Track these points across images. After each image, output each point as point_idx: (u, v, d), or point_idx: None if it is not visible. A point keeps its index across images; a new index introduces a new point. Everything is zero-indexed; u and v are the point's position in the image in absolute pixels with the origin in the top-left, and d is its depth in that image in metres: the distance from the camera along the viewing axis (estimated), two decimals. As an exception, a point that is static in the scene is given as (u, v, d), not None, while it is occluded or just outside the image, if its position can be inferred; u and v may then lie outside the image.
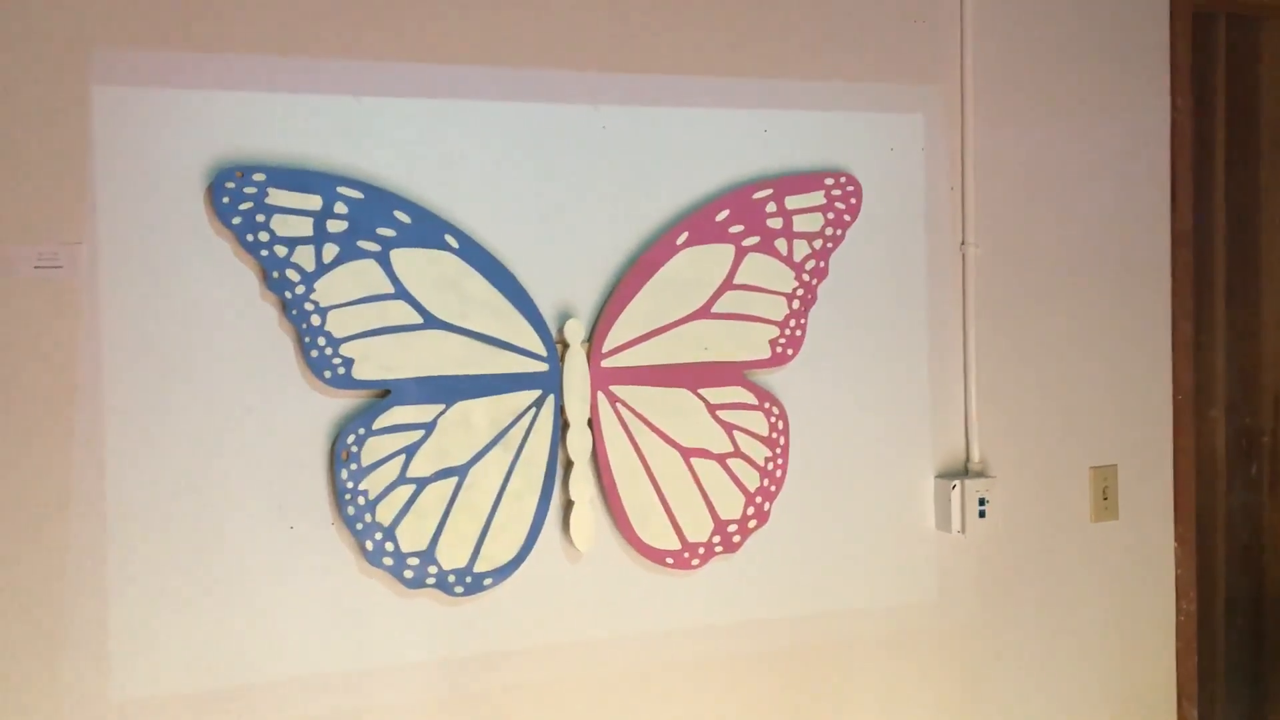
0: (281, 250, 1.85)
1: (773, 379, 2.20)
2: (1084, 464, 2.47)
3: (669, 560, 2.12)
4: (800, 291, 2.19)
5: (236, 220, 1.83)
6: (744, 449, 2.16)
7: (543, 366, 2.02)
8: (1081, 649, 2.48)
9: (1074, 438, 2.46)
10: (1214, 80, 2.66)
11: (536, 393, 2.02)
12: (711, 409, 2.14)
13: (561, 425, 2.04)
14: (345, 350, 1.90)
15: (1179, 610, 2.57)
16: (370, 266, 1.91)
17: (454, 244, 1.96)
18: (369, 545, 1.92)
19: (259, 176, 1.84)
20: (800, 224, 2.18)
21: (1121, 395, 2.50)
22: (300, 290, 1.87)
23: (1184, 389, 2.55)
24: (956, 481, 2.30)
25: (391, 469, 1.93)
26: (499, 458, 2.00)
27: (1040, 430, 2.43)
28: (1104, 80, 2.47)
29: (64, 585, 1.78)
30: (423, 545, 1.95)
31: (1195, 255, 2.58)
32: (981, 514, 2.30)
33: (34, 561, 1.77)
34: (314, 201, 1.87)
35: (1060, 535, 2.45)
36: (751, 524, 2.17)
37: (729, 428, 2.15)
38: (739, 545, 2.17)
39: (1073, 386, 2.45)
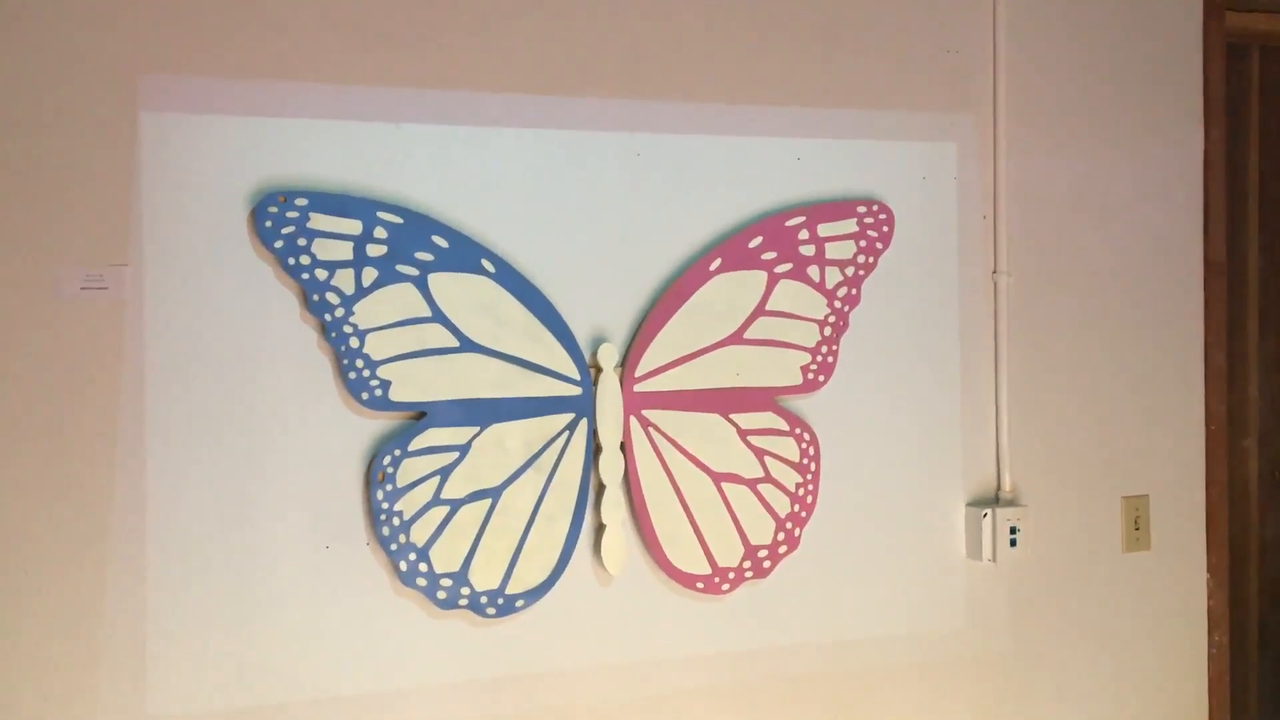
0: (322, 274, 1.88)
1: (804, 405, 2.21)
2: (1116, 494, 2.46)
3: (699, 585, 2.12)
4: (832, 318, 2.20)
5: (279, 244, 1.86)
6: (775, 474, 2.17)
7: (576, 390, 2.04)
8: (1112, 680, 2.47)
9: (1106, 467, 2.45)
10: (1247, 111, 2.66)
11: (570, 416, 2.04)
12: (743, 434, 2.15)
13: (594, 449, 2.05)
14: (383, 372, 1.92)
15: (1211, 642, 2.55)
16: (408, 290, 1.93)
17: (490, 268, 1.98)
18: (403, 566, 1.93)
19: (301, 201, 1.87)
20: (833, 251, 2.20)
21: (1154, 425, 2.49)
22: (340, 313, 1.90)
23: (1216, 419, 2.54)
24: (988, 510, 2.30)
25: (426, 490, 1.95)
26: (532, 480, 2.01)
27: (1072, 459, 2.42)
28: (1137, 110, 2.47)
29: (103, 602, 1.81)
30: (456, 566, 1.97)
31: (1228, 285, 2.57)
32: (1013, 543, 2.30)
33: (74, 578, 1.80)
34: (354, 226, 1.90)
35: (1092, 565, 2.44)
36: (782, 550, 2.18)
37: (760, 453, 2.16)
38: (769, 571, 2.18)
39: (1105, 416, 2.45)
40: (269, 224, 1.86)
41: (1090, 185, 2.44)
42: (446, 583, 1.96)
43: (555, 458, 2.03)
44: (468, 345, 1.97)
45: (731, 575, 2.15)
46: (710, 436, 2.12)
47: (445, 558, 1.96)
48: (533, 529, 2.01)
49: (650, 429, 2.08)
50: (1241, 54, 2.64)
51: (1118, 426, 2.46)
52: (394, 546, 1.93)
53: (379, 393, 1.92)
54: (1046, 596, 2.40)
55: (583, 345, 2.05)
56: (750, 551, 2.16)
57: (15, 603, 1.77)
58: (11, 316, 1.77)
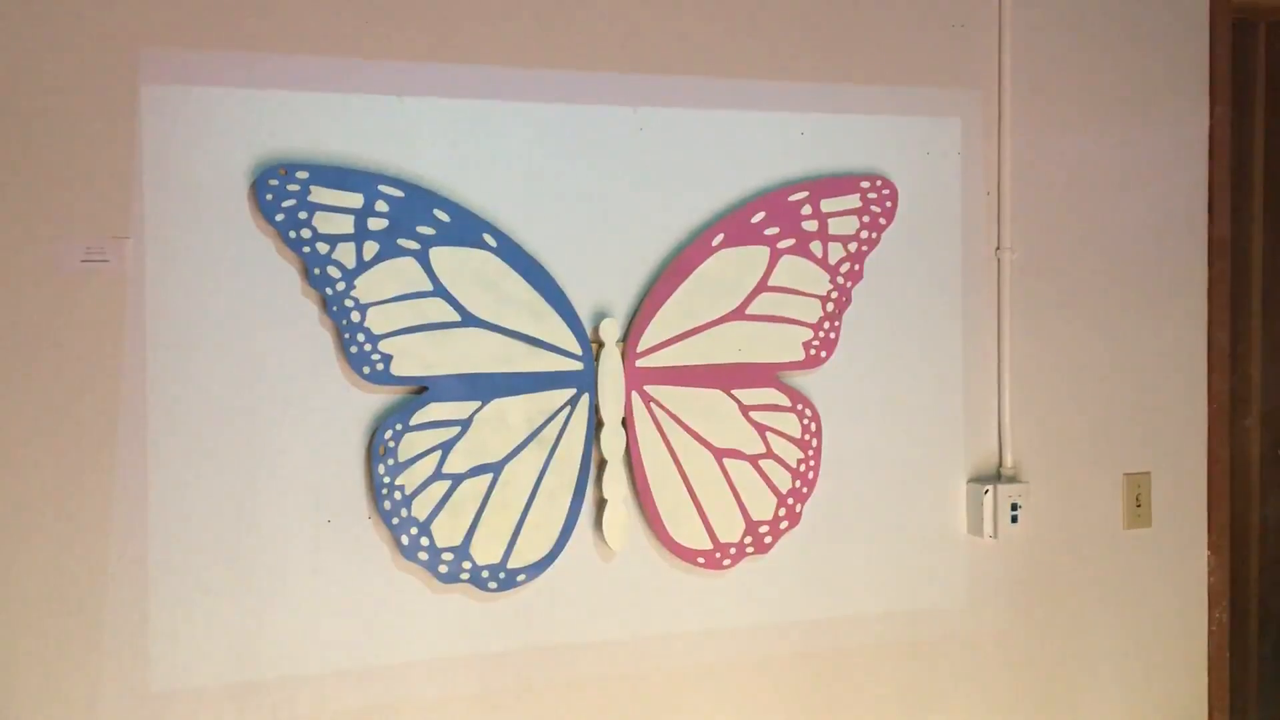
0: (323, 247, 1.88)
1: (806, 381, 2.21)
2: (1117, 471, 2.46)
3: (700, 560, 2.13)
4: (835, 294, 2.20)
5: (280, 217, 1.86)
6: (776, 450, 2.17)
7: (578, 365, 2.04)
8: (1112, 657, 2.47)
9: (1108, 444, 2.45)
10: (1253, 88, 2.64)
11: (571, 391, 2.04)
12: (744, 410, 2.15)
13: (596, 424, 2.05)
14: (384, 346, 1.92)
15: (1211, 620, 2.55)
16: (410, 264, 1.93)
17: (492, 243, 1.98)
18: (404, 540, 1.94)
19: (302, 174, 1.87)
20: (836, 227, 2.19)
21: (1156, 403, 2.49)
22: (341, 287, 1.89)
23: (1219, 398, 2.54)
24: (989, 486, 2.30)
25: (427, 465, 1.95)
26: (533, 455, 2.01)
27: (1074, 436, 2.42)
28: (1142, 87, 2.46)
29: (105, 577, 1.81)
30: (457, 541, 1.97)
31: (1232, 264, 2.56)
32: (1014, 519, 2.30)
33: (76, 554, 1.80)
34: (355, 200, 1.90)
35: (1093, 542, 2.44)
36: (783, 525, 2.18)
37: (761, 429, 2.16)
38: (770, 546, 2.18)
39: (1107, 393, 2.45)
40: (270, 197, 1.85)
41: (1094, 162, 2.43)
42: (448, 557, 1.96)
43: (557, 433, 2.03)
44: (469, 320, 1.97)
45: (733, 551, 2.15)
46: (712, 412, 2.12)
47: (447, 532, 1.96)
48: (534, 504, 2.01)
49: (652, 404, 2.08)
50: (1248, 30, 2.62)
51: (1120, 404, 2.46)
52: (395, 521, 1.93)
53: (380, 367, 1.92)
54: (1048, 573, 2.41)
55: (585, 320, 2.05)
56: (751, 527, 2.16)
57: (18, 579, 1.78)
58: (12, 289, 1.77)
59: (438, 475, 1.96)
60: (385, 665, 1.96)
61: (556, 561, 2.03)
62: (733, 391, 2.14)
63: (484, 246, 1.97)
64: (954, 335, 2.32)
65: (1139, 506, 2.47)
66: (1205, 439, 2.54)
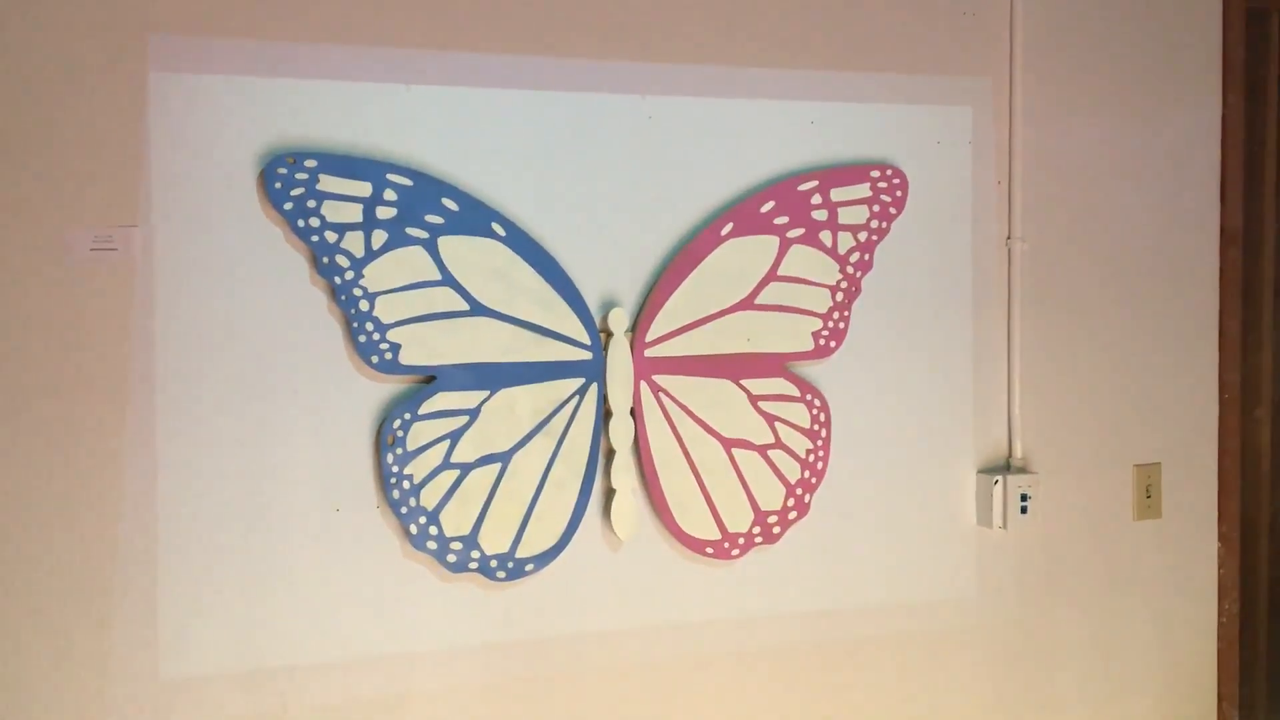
0: (331, 236, 1.88)
1: (815, 371, 2.20)
2: (1128, 461, 2.45)
3: (709, 550, 2.13)
4: (844, 284, 2.19)
5: (288, 206, 1.85)
6: (785, 440, 2.16)
7: (586, 355, 2.03)
8: (1122, 648, 2.47)
9: (1118, 435, 2.44)
10: (1266, 77, 2.62)
11: (580, 381, 2.03)
12: (753, 400, 2.14)
13: (604, 414, 2.05)
14: (392, 336, 1.91)
15: (1221, 611, 2.54)
16: (418, 253, 1.93)
17: (501, 232, 1.97)
18: (413, 529, 1.94)
19: (310, 163, 1.86)
20: (845, 216, 2.18)
21: (1167, 393, 2.48)
22: (349, 276, 1.89)
23: (1230, 388, 2.53)
24: (999, 477, 2.29)
25: (436, 454, 1.95)
26: (542, 445, 2.01)
27: (1084, 427, 2.41)
28: (1155, 76, 2.45)
29: (115, 565, 1.81)
30: (466, 530, 1.97)
31: (1244, 254, 2.55)
32: (1023, 510, 2.29)
33: (86, 542, 1.80)
34: (364, 188, 1.89)
35: (1103, 533, 2.44)
36: (792, 515, 2.18)
37: (770, 419, 2.15)
38: (779, 536, 2.18)
39: (1118, 383, 2.44)
40: (278, 185, 1.85)
41: (1106, 151, 2.42)
42: (456, 546, 1.96)
43: (565, 422, 2.03)
44: (478, 309, 1.97)
45: (741, 541, 2.15)
46: (721, 402, 2.12)
47: (455, 521, 1.96)
48: (543, 493, 2.01)
49: (660, 394, 2.08)
50: (1261, 18, 2.60)
51: (1131, 394, 2.45)
52: (404, 510, 1.93)
53: (389, 356, 1.91)
54: (1057, 564, 2.40)
55: (593, 310, 2.04)
56: (760, 517, 2.15)
57: (28, 567, 1.78)
58: (21, 277, 1.77)
59: (446, 465, 1.95)
60: (393, 654, 1.96)
61: (565, 551, 2.03)
62: (741, 381, 2.13)
63: (493, 235, 1.97)
64: (964, 325, 2.31)
65: (1149, 497, 2.46)
66: (1216, 430, 2.53)
